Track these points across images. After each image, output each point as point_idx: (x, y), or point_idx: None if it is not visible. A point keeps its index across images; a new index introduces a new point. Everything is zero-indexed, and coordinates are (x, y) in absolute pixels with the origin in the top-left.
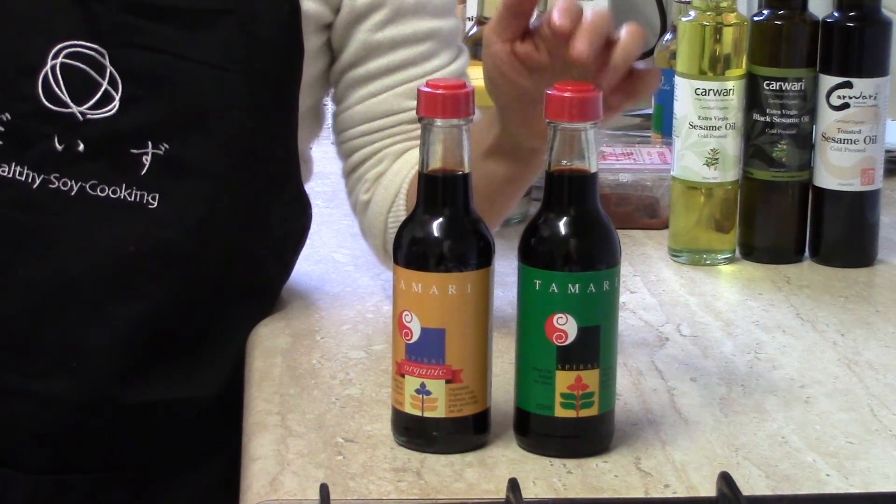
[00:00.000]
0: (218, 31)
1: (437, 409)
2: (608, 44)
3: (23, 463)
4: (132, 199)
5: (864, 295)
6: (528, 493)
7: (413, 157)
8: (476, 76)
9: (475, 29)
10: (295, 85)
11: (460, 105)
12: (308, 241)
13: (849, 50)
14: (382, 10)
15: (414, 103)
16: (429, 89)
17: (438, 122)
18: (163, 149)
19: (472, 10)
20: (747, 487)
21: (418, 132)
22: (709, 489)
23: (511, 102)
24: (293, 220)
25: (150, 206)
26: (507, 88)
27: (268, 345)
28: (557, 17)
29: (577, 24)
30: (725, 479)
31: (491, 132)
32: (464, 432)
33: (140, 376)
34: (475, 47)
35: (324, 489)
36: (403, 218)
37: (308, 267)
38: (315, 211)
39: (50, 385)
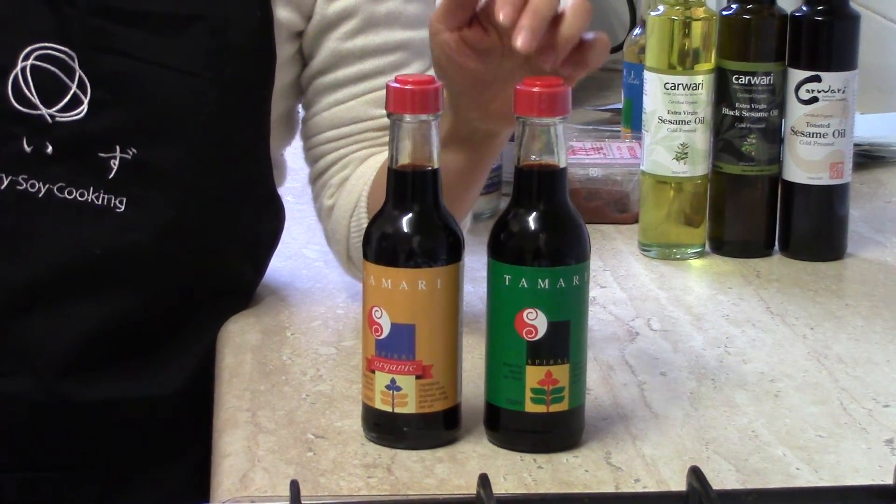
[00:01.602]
0: (188, 37)
1: (408, 404)
2: (556, 18)
3: None
4: (99, 202)
5: (833, 288)
6: (498, 488)
7: (376, 161)
8: None
9: None
10: (266, 92)
11: (429, 100)
12: None
13: (817, 44)
14: (353, 20)
15: (381, 111)
16: (397, 85)
17: (407, 117)
18: (131, 153)
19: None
20: (717, 481)
21: (384, 139)
22: (679, 483)
23: (464, 88)
24: (265, 223)
25: (118, 210)
26: (458, 75)
27: (238, 341)
28: (500, 10)
29: (521, 10)
30: (695, 474)
31: (445, 122)
32: (434, 428)
33: (105, 376)
34: None
35: (294, 485)
36: (365, 222)
37: (278, 263)
38: (285, 207)
39: (12, 384)
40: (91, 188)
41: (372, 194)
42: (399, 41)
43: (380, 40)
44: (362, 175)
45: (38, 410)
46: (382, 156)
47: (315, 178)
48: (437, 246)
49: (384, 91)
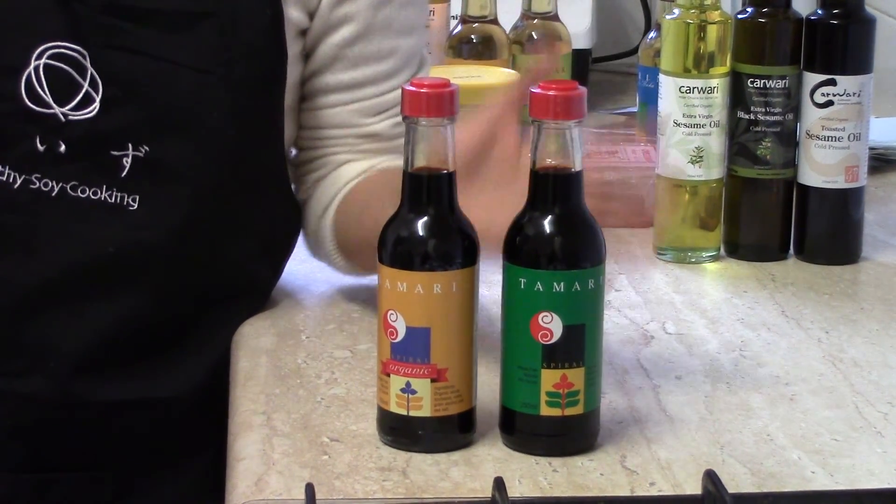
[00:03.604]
0: (198, 35)
1: (423, 408)
2: None
3: (1, 461)
4: (112, 200)
5: (848, 292)
6: (513, 491)
7: (351, 169)
8: (461, 74)
9: (460, 27)
10: (279, 89)
11: (444, 104)
12: None
13: (833, 47)
14: (351, 25)
15: (366, 121)
16: (413, 88)
17: (423, 120)
18: (143, 151)
19: (455, 8)
20: (732, 485)
21: (364, 147)
22: (694, 487)
23: None
24: (281, 221)
25: (131, 208)
26: None
27: (253, 344)
28: None
29: None
30: (711, 477)
31: None
32: (449, 431)
33: (119, 376)
34: (460, 45)
35: (309, 489)
36: (328, 233)
37: (293, 266)
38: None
39: (27, 385)
40: (104, 186)
41: (341, 210)
42: (390, 48)
43: (373, 48)
44: (334, 183)
45: (51, 410)
46: (358, 164)
47: (296, 165)
48: (452, 249)
49: (372, 101)
